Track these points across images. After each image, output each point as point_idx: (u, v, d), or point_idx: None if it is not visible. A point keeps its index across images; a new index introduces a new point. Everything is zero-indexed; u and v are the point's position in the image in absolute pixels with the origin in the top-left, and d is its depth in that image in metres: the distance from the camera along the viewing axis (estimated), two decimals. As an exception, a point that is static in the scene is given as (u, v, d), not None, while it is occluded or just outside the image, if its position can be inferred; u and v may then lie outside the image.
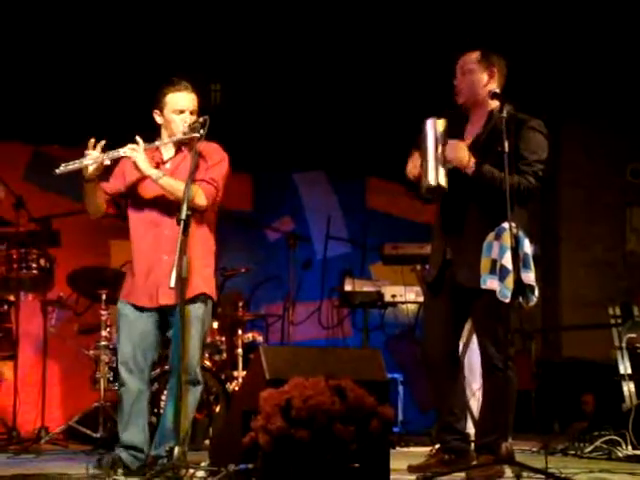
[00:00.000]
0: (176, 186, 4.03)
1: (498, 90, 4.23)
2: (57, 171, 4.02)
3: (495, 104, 4.17)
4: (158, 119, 4.24)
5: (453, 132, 4.23)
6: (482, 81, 4.26)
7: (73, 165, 4.01)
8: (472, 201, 4.21)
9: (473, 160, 4.12)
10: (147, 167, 4.08)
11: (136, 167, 4.08)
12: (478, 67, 4.27)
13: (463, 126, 4.34)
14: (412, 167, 4.25)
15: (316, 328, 7.38)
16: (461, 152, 4.13)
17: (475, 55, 4.30)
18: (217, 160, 4.21)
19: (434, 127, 4.15)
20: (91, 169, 4.02)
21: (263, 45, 7.12)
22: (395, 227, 7.56)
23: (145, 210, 4.19)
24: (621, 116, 8.24)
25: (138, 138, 4.11)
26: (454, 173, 4.16)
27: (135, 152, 4.06)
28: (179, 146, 4.24)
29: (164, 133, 4.24)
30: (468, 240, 4.19)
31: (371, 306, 6.50)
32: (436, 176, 4.10)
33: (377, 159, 7.52)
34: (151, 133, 4.26)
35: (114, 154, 4.06)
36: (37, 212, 6.13)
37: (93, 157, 4.01)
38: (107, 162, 4.05)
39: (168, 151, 4.27)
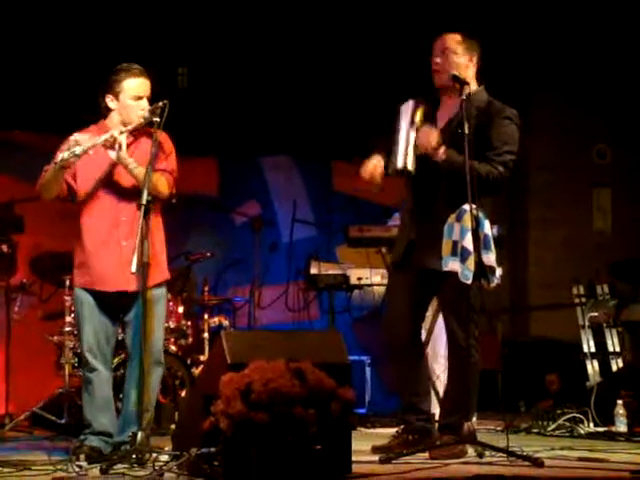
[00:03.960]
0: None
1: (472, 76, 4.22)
2: (55, 165, 3.98)
3: (466, 89, 4.11)
4: (111, 104, 4.17)
5: (425, 117, 4.22)
6: (462, 64, 4.22)
7: (69, 157, 3.95)
8: (440, 184, 4.22)
9: (443, 148, 4.12)
10: (126, 156, 4.04)
11: (117, 157, 4.03)
12: (460, 49, 4.23)
13: (434, 111, 4.33)
14: (365, 169, 4.26)
15: (283, 311, 7.38)
16: (432, 139, 4.11)
17: (457, 37, 4.25)
18: (170, 150, 4.22)
19: (410, 111, 4.15)
20: (76, 158, 3.98)
21: (230, 29, 7.09)
22: (361, 210, 7.54)
23: (101, 195, 4.15)
24: (588, 98, 8.28)
25: (116, 132, 4.04)
26: (424, 156, 4.17)
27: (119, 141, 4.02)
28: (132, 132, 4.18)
29: (116, 118, 4.18)
30: (434, 222, 4.20)
31: (337, 289, 6.49)
32: (404, 160, 4.12)
33: (343, 142, 7.51)
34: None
35: (96, 142, 4.01)
36: (-1, 197, 6.08)
37: (83, 146, 3.96)
38: (91, 152, 4.00)
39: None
